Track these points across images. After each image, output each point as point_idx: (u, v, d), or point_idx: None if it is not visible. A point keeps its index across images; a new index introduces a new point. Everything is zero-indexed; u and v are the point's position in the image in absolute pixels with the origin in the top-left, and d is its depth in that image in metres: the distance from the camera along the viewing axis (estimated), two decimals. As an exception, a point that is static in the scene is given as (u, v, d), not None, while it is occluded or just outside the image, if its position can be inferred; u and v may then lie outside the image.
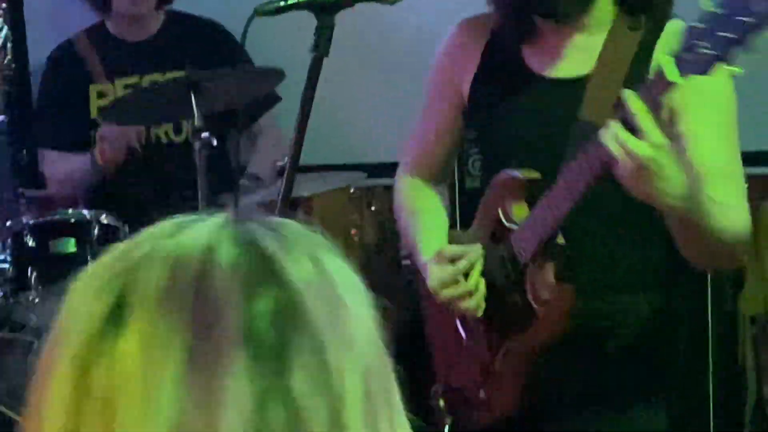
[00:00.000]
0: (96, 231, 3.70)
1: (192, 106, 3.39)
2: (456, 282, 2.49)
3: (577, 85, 2.40)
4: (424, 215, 2.72)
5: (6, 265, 3.75)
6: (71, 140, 4.18)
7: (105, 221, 3.72)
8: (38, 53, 4.43)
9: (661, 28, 2.37)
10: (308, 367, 0.89)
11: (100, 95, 4.17)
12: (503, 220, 2.48)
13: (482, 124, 2.58)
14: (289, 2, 2.23)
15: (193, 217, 0.96)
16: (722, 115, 2.37)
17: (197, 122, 3.41)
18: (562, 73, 2.45)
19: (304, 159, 3.49)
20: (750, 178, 3.96)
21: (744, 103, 3.76)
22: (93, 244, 3.62)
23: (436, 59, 2.64)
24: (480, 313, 2.51)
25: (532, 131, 2.47)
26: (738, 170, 2.42)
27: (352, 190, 4.07)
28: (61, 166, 4.20)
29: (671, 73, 2.02)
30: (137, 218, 3.38)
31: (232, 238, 0.92)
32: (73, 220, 3.73)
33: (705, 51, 1.98)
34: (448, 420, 2.62)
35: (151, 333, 0.88)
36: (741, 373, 4.17)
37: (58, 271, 3.46)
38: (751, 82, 3.91)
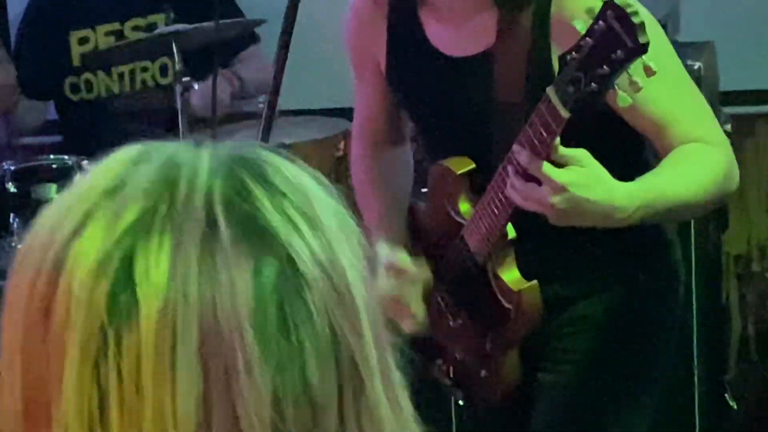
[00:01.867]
0: (77, 177, 3.67)
1: (174, 54, 3.42)
2: (398, 302, 2.45)
3: (482, 61, 2.32)
4: (376, 193, 2.64)
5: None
6: (50, 88, 4.18)
7: (87, 167, 3.67)
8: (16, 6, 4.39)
9: (546, 3, 2.26)
10: (316, 339, 0.87)
11: (82, 41, 4.13)
12: (453, 215, 2.43)
13: (403, 99, 2.53)
14: None
15: (174, 151, 0.91)
16: (661, 58, 2.17)
17: (178, 66, 3.42)
18: (467, 50, 2.36)
19: (288, 103, 3.51)
20: (732, 118, 3.98)
21: (723, 45, 3.80)
22: (75, 189, 3.59)
23: (347, 25, 2.55)
24: (418, 332, 2.46)
25: (449, 111, 2.41)
26: (701, 105, 2.31)
27: (338, 149, 3.99)
28: None
29: (562, 110, 1.97)
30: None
31: (228, 200, 0.88)
32: (54, 166, 3.70)
33: (586, 86, 1.93)
34: (460, 395, 2.55)
35: (163, 307, 0.85)
36: (725, 310, 4.17)
37: (40, 217, 3.42)
38: (729, 24, 3.96)
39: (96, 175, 0.90)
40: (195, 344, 0.84)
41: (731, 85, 3.95)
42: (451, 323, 2.50)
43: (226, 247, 0.86)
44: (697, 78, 3.53)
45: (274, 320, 0.86)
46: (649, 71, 1.89)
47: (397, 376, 0.93)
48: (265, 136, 2.28)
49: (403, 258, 2.49)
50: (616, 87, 1.92)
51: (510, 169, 2.09)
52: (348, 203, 0.94)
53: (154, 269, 0.85)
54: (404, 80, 2.49)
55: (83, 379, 0.84)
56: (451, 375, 2.56)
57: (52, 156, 3.78)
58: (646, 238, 2.39)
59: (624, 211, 2.08)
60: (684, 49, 3.69)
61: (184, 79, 3.49)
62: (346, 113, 3.97)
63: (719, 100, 3.85)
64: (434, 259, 2.49)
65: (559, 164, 2.03)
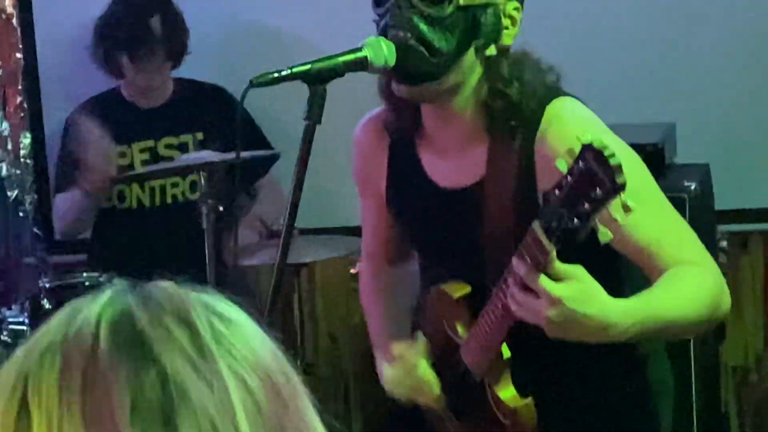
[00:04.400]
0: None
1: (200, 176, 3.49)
2: (407, 379, 2.49)
3: (474, 192, 2.36)
4: (377, 311, 2.72)
5: (24, 327, 3.76)
6: None
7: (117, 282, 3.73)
8: (53, 123, 4.47)
9: (534, 131, 2.31)
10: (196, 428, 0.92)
11: (120, 156, 4.18)
12: (450, 334, 2.45)
13: (402, 225, 2.58)
14: (282, 73, 2.21)
15: (86, 299, 0.98)
16: (642, 191, 2.23)
17: (203, 189, 3.49)
18: (459, 182, 2.41)
19: (304, 222, 3.56)
20: (729, 235, 4.03)
21: (718, 167, 3.84)
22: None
23: (353, 156, 2.62)
24: (439, 404, 2.49)
25: (444, 242, 2.45)
26: (684, 230, 2.34)
27: (354, 268, 4.03)
28: (62, 205, 4.23)
29: (547, 243, 2.00)
30: (149, 277, 3.44)
31: (114, 321, 0.95)
32: (87, 283, 3.75)
33: (569, 221, 1.95)
34: None
35: (50, 423, 0.91)
36: (724, 419, 4.17)
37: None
38: (723, 147, 4.01)
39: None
40: None
41: (726, 204, 3.97)
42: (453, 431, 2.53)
43: (104, 359, 0.92)
44: (694, 198, 3.57)
45: (153, 416, 0.91)
46: (627, 209, 1.92)
47: None
48: (284, 256, 2.32)
49: (401, 345, 2.52)
50: (597, 222, 1.94)
51: (510, 280, 2.10)
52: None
53: (45, 390, 0.92)
54: (403, 208, 2.54)
55: None
56: None
57: (85, 274, 3.84)
58: (618, 356, 2.38)
59: (618, 327, 2.09)
60: (680, 171, 3.75)
61: (210, 200, 3.57)
62: (359, 232, 4.07)
63: (715, 218, 3.87)
64: (436, 371, 2.52)
65: (556, 278, 2.04)
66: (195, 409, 0.92)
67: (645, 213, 2.18)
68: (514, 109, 2.30)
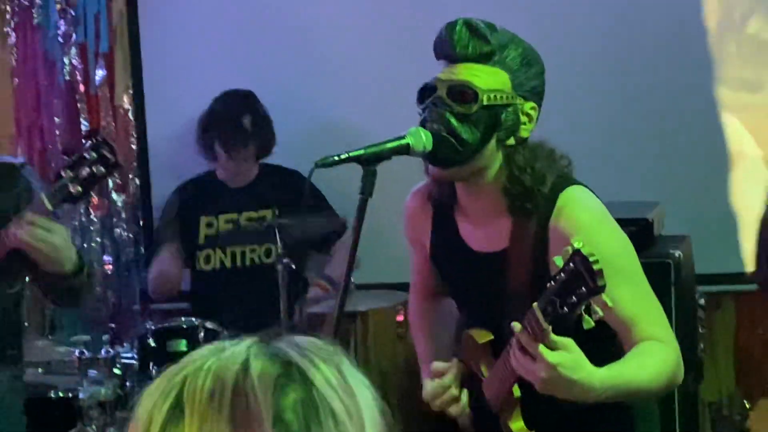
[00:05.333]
0: (202, 334, 3.77)
1: (277, 241, 3.48)
2: (443, 392, 2.46)
3: (499, 259, 2.35)
4: (422, 335, 2.69)
5: (133, 361, 3.81)
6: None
7: (209, 326, 3.79)
8: (160, 196, 4.51)
9: (549, 214, 2.30)
10: None
11: (208, 226, 4.24)
12: (476, 372, 2.45)
13: (442, 275, 2.57)
14: (341, 157, 2.21)
15: (232, 341, 0.98)
16: (629, 274, 2.27)
17: (280, 251, 3.52)
18: (488, 248, 2.39)
19: (360, 278, 3.57)
20: (706, 295, 4.01)
21: (697, 238, 3.84)
22: (200, 344, 3.64)
23: (404, 219, 2.58)
24: (466, 418, 2.47)
25: (476, 293, 2.44)
26: (657, 310, 2.31)
27: (400, 316, 4.04)
28: (149, 275, 4.28)
29: (543, 323, 2.01)
30: (234, 323, 3.50)
31: (262, 353, 0.95)
32: (185, 326, 3.79)
33: (560, 308, 1.97)
34: None
35: (201, 428, 0.91)
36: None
37: (174, 366, 3.50)
38: (702, 222, 4.00)
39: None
40: None
41: (704, 268, 3.94)
42: None
43: (253, 377, 0.92)
44: (677, 263, 3.57)
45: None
46: (605, 306, 1.94)
47: None
48: (342, 305, 2.32)
49: (439, 363, 2.49)
50: (582, 312, 1.96)
51: (514, 344, 2.11)
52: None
53: (198, 396, 0.92)
54: (443, 264, 2.53)
55: None
56: None
57: (183, 318, 3.90)
58: (613, 415, 2.37)
59: (596, 392, 2.10)
60: (667, 241, 3.74)
61: (285, 260, 3.60)
62: (404, 287, 4.08)
63: (695, 280, 3.85)
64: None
65: (551, 347, 2.05)
66: None
67: (630, 292, 2.23)
68: (527, 193, 2.29)
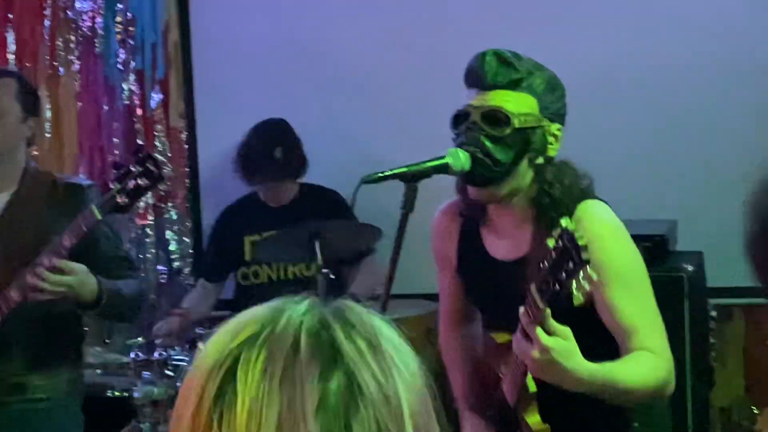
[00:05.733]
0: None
1: (316, 252, 3.47)
2: None
3: (519, 265, 2.34)
4: (454, 370, 2.66)
5: (184, 363, 3.79)
6: (222, 274, 4.30)
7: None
8: (209, 211, 4.52)
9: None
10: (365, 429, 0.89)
11: (252, 244, 4.23)
12: (497, 372, 2.44)
13: (468, 287, 2.55)
14: (385, 173, 2.23)
15: (288, 301, 0.95)
16: (636, 286, 2.27)
17: (320, 262, 3.49)
18: (509, 256, 2.39)
19: (396, 289, 3.55)
20: (718, 307, 3.97)
21: (709, 253, 3.80)
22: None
23: (432, 235, 2.58)
24: None
25: (497, 298, 2.44)
26: (657, 324, 2.28)
27: (430, 324, 4.00)
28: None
29: (540, 302, 1.99)
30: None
31: (311, 328, 0.91)
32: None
33: (541, 285, 1.96)
34: None
35: (255, 399, 0.88)
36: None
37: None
38: (713, 238, 3.97)
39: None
40: (273, 428, 0.87)
41: (715, 282, 3.91)
42: None
43: (303, 359, 0.89)
44: (690, 278, 3.55)
45: (333, 416, 0.87)
46: (590, 280, 1.91)
47: None
48: (383, 312, 2.32)
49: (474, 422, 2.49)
50: (573, 289, 1.94)
51: (519, 327, 2.10)
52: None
53: (251, 372, 0.89)
54: (468, 274, 2.53)
55: None
56: None
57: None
58: (626, 413, 2.38)
59: (583, 383, 2.09)
60: (681, 256, 3.73)
61: (324, 271, 3.58)
62: (433, 297, 4.05)
63: (707, 293, 3.82)
64: (489, 398, 2.51)
65: (549, 332, 2.04)
66: (372, 419, 0.88)
67: (634, 303, 2.23)
68: (555, 204, 2.30)
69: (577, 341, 2.07)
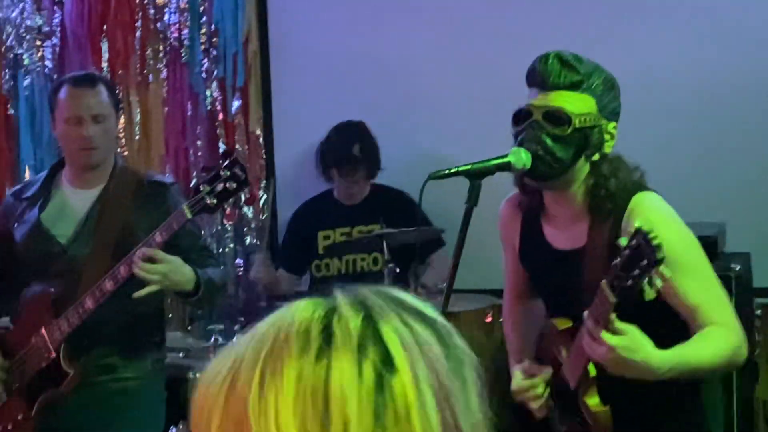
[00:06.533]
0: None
1: (384, 251, 3.50)
2: (529, 389, 2.46)
3: (577, 255, 2.35)
4: (513, 333, 2.68)
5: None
6: (302, 266, 4.33)
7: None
8: (284, 209, 4.56)
9: (622, 215, 2.30)
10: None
11: (325, 238, 4.27)
12: (557, 356, 2.44)
13: (529, 273, 2.56)
14: (452, 170, 2.23)
15: (323, 303, 0.92)
16: (696, 266, 2.27)
17: (387, 257, 3.51)
18: (568, 246, 2.39)
19: (456, 285, 3.54)
20: (763, 306, 3.90)
21: (756, 254, 3.73)
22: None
23: (499, 223, 2.59)
24: (542, 413, 2.45)
25: (556, 285, 2.44)
26: (722, 299, 2.28)
27: (488, 317, 3.98)
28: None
29: (611, 296, 2.01)
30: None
31: (352, 305, 0.90)
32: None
33: (626, 281, 1.97)
34: None
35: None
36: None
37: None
38: (760, 239, 3.90)
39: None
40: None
41: (762, 282, 3.85)
42: (560, 428, 2.50)
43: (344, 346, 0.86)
44: (738, 277, 3.52)
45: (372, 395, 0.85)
46: (663, 277, 1.95)
47: None
48: (445, 307, 2.33)
49: (533, 366, 2.50)
50: (645, 285, 1.96)
51: (583, 330, 2.14)
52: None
53: (286, 356, 0.87)
54: (530, 263, 2.54)
55: None
56: None
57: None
58: (678, 383, 2.32)
59: (658, 371, 2.11)
60: (729, 257, 3.68)
61: (390, 265, 3.59)
62: (494, 292, 4.03)
63: (753, 293, 3.76)
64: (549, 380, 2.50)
65: (613, 332, 2.06)
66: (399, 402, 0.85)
67: (696, 282, 2.23)
68: (611, 197, 2.31)
69: (650, 332, 2.09)
